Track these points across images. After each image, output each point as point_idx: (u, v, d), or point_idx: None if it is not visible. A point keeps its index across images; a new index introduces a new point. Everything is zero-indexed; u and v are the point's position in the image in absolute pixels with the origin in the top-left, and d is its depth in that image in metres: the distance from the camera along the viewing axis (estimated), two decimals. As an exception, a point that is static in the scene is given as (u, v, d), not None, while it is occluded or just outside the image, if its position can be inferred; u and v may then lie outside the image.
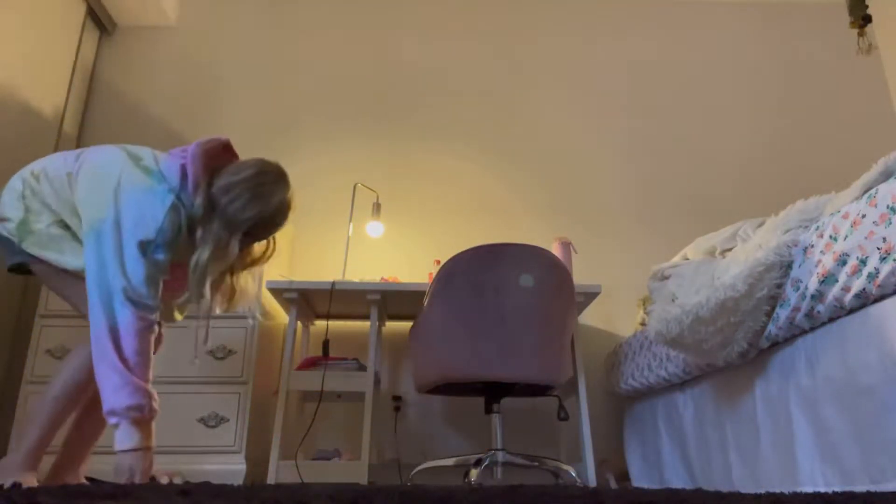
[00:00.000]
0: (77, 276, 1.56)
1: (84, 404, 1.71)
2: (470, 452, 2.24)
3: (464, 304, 2.05)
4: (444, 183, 3.32)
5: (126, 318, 1.48)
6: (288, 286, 2.50)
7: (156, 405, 1.54)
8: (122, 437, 1.48)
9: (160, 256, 1.54)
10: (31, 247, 1.58)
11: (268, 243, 1.78)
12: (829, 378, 1.37)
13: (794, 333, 1.52)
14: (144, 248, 1.51)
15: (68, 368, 1.58)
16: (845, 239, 1.33)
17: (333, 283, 2.47)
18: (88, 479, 1.78)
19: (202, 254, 1.54)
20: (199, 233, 1.56)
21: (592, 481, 2.27)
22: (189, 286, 1.56)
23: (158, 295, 1.56)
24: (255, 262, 1.78)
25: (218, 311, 1.74)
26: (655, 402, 2.38)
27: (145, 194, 1.55)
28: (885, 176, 1.36)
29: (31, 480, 1.52)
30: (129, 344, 1.48)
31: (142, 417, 1.49)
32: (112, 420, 1.47)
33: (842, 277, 1.32)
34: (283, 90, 3.47)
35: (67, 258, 1.57)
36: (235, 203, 1.57)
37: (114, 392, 1.46)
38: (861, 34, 3.67)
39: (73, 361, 1.59)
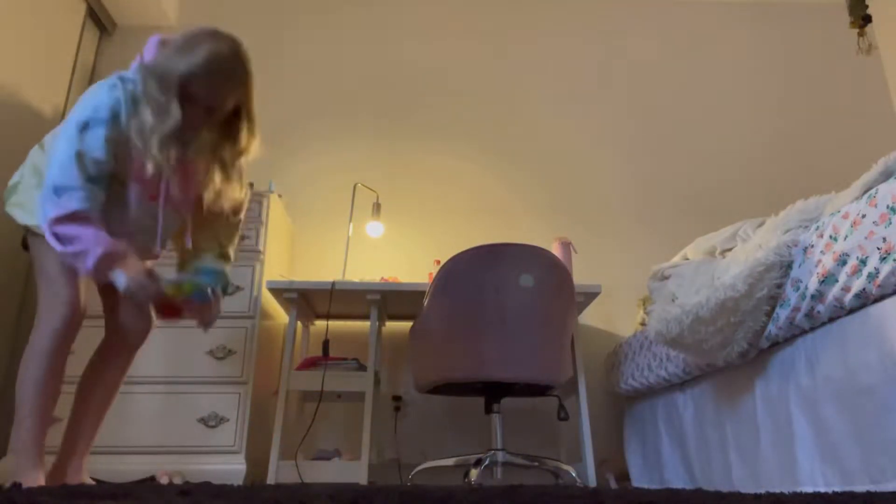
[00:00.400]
0: (45, 248, 1.56)
1: (79, 398, 1.70)
2: (470, 452, 2.24)
3: (464, 304, 2.05)
4: (444, 183, 3.32)
5: (50, 211, 1.46)
6: (288, 286, 2.50)
7: (102, 246, 1.47)
8: (114, 280, 1.50)
9: (97, 133, 1.49)
10: (9, 206, 1.63)
11: (245, 123, 1.67)
12: (829, 378, 1.37)
13: (794, 333, 1.52)
14: (83, 129, 1.49)
15: (24, 359, 1.59)
16: (845, 239, 1.33)
17: (333, 283, 2.47)
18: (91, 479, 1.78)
19: (142, 115, 1.50)
20: (141, 99, 1.52)
21: (592, 481, 2.27)
22: (142, 153, 1.52)
23: (90, 178, 1.49)
24: (240, 150, 1.69)
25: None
26: (655, 402, 2.38)
27: (97, 87, 1.57)
28: (885, 176, 1.36)
29: (38, 479, 1.52)
30: (59, 228, 1.46)
31: (109, 262, 1.48)
32: (99, 274, 1.50)
33: (842, 277, 1.32)
34: (283, 90, 3.47)
35: (27, 216, 1.59)
36: (164, 59, 1.53)
37: (78, 263, 1.48)
38: (861, 34, 3.67)
39: (26, 353, 1.60)
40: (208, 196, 1.69)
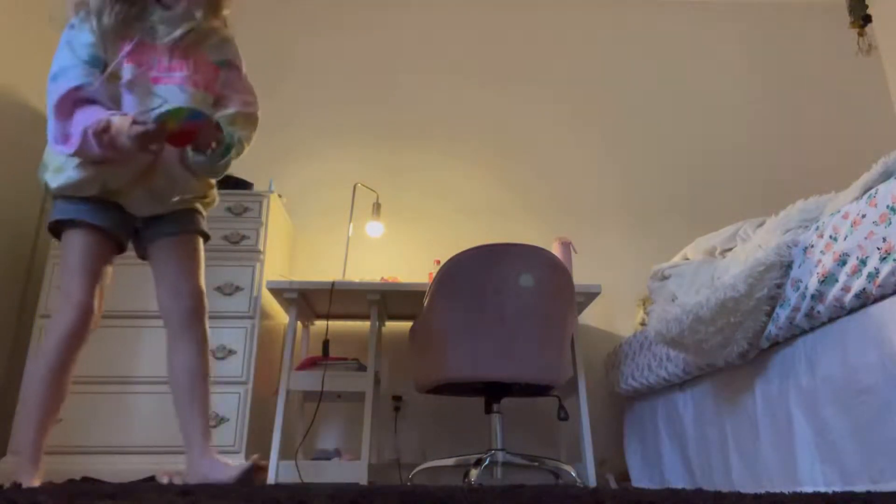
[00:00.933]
0: (70, 237, 1.56)
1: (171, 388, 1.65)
2: (470, 452, 2.24)
3: (464, 304, 2.05)
4: (444, 183, 3.32)
5: (51, 100, 1.48)
6: (288, 286, 2.50)
7: (93, 124, 1.45)
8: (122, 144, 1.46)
9: (84, 26, 1.55)
10: (44, 177, 1.60)
11: None
12: (828, 378, 1.37)
13: (794, 333, 1.52)
14: (71, 27, 1.56)
15: (37, 357, 1.58)
16: (845, 239, 1.33)
17: (333, 283, 2.47)
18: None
19: None
20: None
21: (592, 481, 2.27)
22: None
23: (84, 61, 1.52)
24: None
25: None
26: (655, 402, 2.38)
27: None
28: (885, 176, 1.36)
29: (33, 479, 1.52)
30: (60, 121, 1.47)
31: (106, 133, 1.45)
32: (113, 149, 1.47)
33: (842, 277, 1.32)
34: (283, 90, 3.47)
35: (55, 175, 1.57)
36: None
37: (92, 153, 1.46)
38: (861, 34, 3.67)
39: (38, 352, 1.59)
40: (189, 38, 1.65)
